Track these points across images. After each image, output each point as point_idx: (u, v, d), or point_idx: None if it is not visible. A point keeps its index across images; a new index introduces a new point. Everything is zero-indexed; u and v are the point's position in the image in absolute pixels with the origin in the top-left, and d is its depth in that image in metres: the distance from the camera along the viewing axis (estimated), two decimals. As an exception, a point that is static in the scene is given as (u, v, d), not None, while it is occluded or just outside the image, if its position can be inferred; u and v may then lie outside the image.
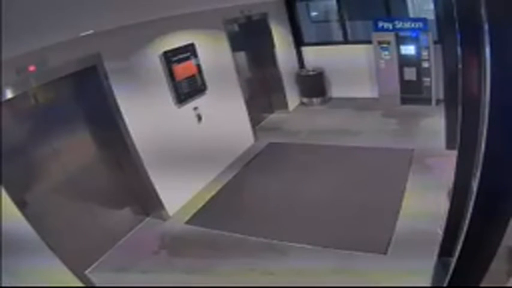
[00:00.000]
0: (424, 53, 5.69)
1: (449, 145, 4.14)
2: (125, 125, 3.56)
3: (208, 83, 4.68)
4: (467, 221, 1.10)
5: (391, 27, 5.77)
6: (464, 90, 1.46)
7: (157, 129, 3.91)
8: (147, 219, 4.07)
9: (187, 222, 3.96)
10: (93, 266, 3.41)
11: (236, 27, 5.87)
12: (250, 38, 6.16)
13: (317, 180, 4.34)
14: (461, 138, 1.64)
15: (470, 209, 1.06)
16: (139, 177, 3.79)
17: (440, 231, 2.94)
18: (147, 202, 3.99)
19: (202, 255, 3.39)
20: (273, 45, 6.33)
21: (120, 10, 2.53)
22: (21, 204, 2.53)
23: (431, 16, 5.52)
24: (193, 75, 4.48)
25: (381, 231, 3.26)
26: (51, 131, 3.18)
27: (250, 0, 5.20)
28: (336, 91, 7.05)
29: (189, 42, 4.43)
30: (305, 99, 7.05)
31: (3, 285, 2.13)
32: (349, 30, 6.63)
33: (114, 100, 3.47)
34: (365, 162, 4.54)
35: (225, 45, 5.17)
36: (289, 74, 6.79)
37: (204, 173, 4.64)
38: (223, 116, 4.91)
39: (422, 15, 5.69)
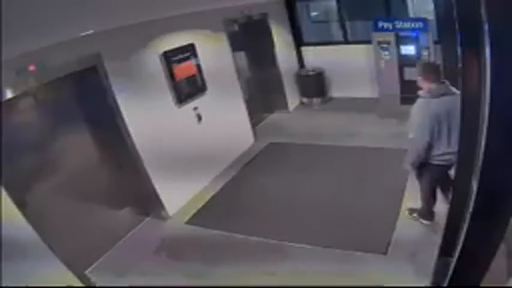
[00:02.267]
0: (424, 53, 5.68)
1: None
2: (125, 125, 3.56)
3: (208, 83, 4.68)
4: (467, 221, 1.10)
5: (391, 27, 5.76)
6: (464, 90, 1.46)
7: (158, 129, 3.91)
8: (147, 219, 4.07)
9: (187, 222, 3.96)
10: (93, 266, 3.41)
11: (236, 27, 5.87)
12: (250, 38, 6.16)
13: (317, 180, 4.34)
14: (461, 138, 1.64)
15: (470, 209, 1.06)
16: (139, 177, 3.79)
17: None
18: (147, 202, 3.99)
19: (202, 255, 3.38)
20: (273, 45, 6.33)
21: (120, 10, 2.53)
22: (21, 204, 2.53)
23: (431, 16, 5.51)
24: (193, 75, 4.48)
25: (381, 231, 3.26)
26: (51, 131, 3.18)
27: (250, 0, 5.20)
28: (336, 91, 7.05)
29: (189, 42, 4.42)
30: (305, 99, 7.04)
31: (3, 285, 2.13)
32: (349, 30, 6.63)
33: (114, 100, 3.47)
34: (365, 162, 4.54)
35: (225, 45, 5.17)
36: (289, 74, 6.79)
37: (204, 173, 4.64)
38: (223, 116, 4.91)
39: (422, 15, 5.68)
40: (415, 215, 3.48)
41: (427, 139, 2.80)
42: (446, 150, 2.83)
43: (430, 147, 2.85)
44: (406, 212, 3.55)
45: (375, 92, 6.43)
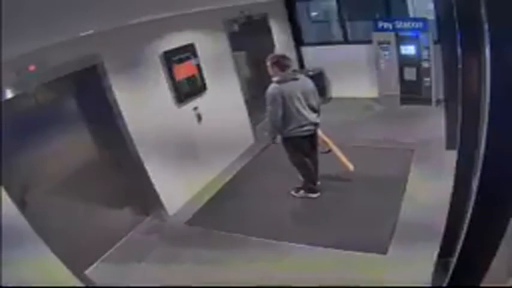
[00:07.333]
0: (424, 53, 5.69)
1: (449, 145, 4.14)
2: (124, 125, 3.57)
3: (208, 83, 4.68)
4: (467, 221, 1.10)
5: (391, 27, 5.77)
6: (464, 90, 1.46)
7: (158, 129, 3.91)
8: (147, 219, 4.07)
9: (187, 222, 3.96)
10: (93, 266, 3.41)
11: (236, 27, 5.86)
12: (250, 38, 6.15)
13: (317, 180, 4.34)
14: (461, 138, 1.64)
15: (470, 209, 1.06)
16: (139, 177, 3.79)
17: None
18: (147, 202, 3.99)
19: (202, 255, 3.39)
20: (273, 45, 6.33)
21: (120, 10, 2.53)
22: (21, 204, 2.53)
23: (431, 16, 5.52)
24: (193, 75, 4.48)
25: (381, 231, 3.26)
26: (51, 131, 3.18)
27: (250, 0, 5.19)
28: (336, 91, 7.05)
29: (189, 42, 4.42)
30: (305, 99, 7.02)
31: (3, 285, 2.13)
32: (349, 30, 6.63)
33: (114, 100, 3.47)
34: (365, 162, 4.53)
35: (225, 45, 5.17)
36: (289, 74, 6.78)
37: (204, 173, 4.64)
38: (223, 115, 4.91)
39: (423, 15, 5.69)
40: (301, 192, 3.89)
41: (279, 113, 3.41)
42: (297, 124, 3.50)
43: (282, 120, 3.47)
44: (293, 192, 3.97)
45: (375, 92, 6.44)
